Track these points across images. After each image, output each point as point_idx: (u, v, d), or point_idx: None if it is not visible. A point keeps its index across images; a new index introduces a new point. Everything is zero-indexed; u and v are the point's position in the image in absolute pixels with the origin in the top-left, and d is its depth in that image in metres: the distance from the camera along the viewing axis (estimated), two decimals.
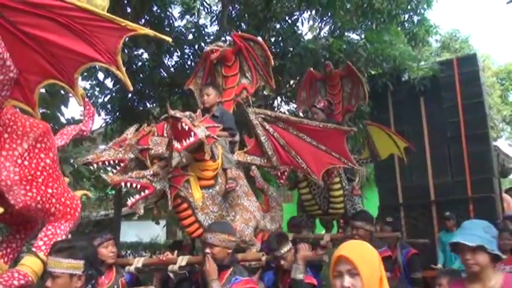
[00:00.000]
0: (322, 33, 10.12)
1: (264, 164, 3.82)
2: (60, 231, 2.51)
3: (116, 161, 3.14)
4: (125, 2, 7.98)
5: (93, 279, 2.17)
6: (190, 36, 9.16)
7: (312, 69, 6.02)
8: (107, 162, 3.14)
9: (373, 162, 5.59)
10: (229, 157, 3.54)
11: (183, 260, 3.16)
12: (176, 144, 2.91)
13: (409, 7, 8.93)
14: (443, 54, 15.88)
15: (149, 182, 2.98)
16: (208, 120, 3.31)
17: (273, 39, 9.73)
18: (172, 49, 8.86)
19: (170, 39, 2.51)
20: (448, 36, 16.57)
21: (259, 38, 9.73)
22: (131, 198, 3.05)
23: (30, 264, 2.39)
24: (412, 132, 7.01)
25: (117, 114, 9.08)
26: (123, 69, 2.37)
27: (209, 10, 9.82)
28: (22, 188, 2.34)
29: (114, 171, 3.32)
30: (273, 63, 4.03)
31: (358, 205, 5.04)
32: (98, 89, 9.31)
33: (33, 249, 2.45)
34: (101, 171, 3.91)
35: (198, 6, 9.83)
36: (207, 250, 2.89)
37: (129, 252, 12.24)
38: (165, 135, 3.21)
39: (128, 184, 2.95)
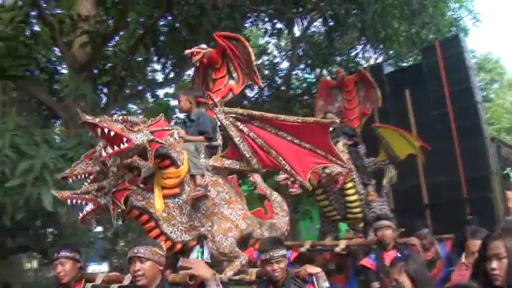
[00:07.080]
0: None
1: (245, 168, 3.25)
2: None
3: (86, 174, 2.87)
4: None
5: None
6: (266, 72, 10.19)
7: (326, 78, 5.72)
8: (79, 176, 2.87)
9: (391, 164, 5.00)
10: (198, 162, 3.08)
11: (128, 279, 2.85)
12: (103, 152, 2.59)
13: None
14: (480, 73, 16.42)
15: (94, 197, 2.78)
16: (160, 123, 2.91)
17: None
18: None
19: None
20: (483, 58, 17.31)
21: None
22: None
23: None
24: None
25: None
26: None
27: (281, 50, 11.02)
28: None
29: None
30: (253, 58, 3.75)
31: (379, 209, 4.64)
32: None
33: None
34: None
35: (272, 47, 11.07)
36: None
37: None
38: None
39: (74, 201, 2.78)
